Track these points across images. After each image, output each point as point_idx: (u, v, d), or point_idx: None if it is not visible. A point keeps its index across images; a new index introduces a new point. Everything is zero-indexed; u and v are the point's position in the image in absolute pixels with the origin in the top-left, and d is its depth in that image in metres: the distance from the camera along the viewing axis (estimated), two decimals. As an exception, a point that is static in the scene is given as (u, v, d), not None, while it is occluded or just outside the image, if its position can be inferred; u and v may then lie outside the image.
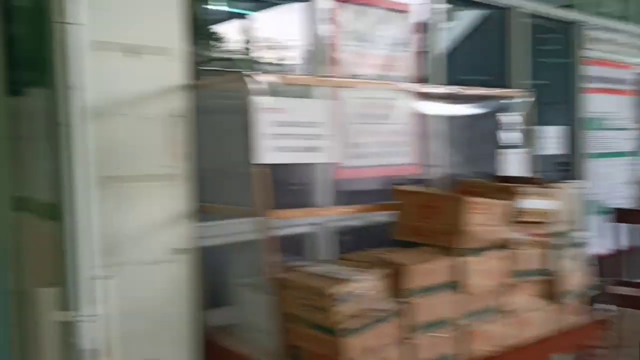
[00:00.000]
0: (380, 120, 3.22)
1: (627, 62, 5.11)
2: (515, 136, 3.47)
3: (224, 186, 2.67)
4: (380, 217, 2.95)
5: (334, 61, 3.17)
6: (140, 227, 2.37)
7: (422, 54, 3.59)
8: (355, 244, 2.95)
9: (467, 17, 4.26)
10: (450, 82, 3.53)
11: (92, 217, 1.90)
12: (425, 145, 3.45)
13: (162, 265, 2.42)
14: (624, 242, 4.37)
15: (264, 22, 3.26)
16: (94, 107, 2.12)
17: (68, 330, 1.87)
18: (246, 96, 2.30)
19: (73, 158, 1.84)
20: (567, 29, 4.71)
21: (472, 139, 3.57)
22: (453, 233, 2.47)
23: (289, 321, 2.31)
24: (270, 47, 3.26)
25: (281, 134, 2.42)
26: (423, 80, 3.53)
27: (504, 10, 4.22)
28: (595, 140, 4.83)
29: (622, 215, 4.34)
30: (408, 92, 3.24)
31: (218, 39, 3.18)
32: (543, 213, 2.75)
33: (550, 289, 2.82)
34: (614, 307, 3.20)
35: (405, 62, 3.48)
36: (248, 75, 2.31)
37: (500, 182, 3.01)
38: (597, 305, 3.04)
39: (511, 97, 3.43)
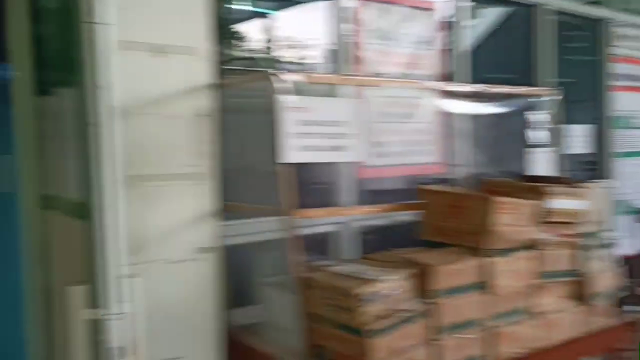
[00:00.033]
0: (404, 119, 3.19)
1: (655, 60, 5.00)
2: (542, 135, 3.42)
3: (249, 185, 2.67)
4: (404, 216, 2.93)
5: (357, 60, 3.15)
6: (166, 226, 2.38)
7: (447, 52, 3.55)
8: (378, 243, 2.93)
9: (492, 15, 4.21)
10: (475, 80, 3.49)
11: (121, 216, 1.91)
12: (450, 144, 3.41)
13: (187, 264, 2.42)
14: (653, 243, 4.29)
15: (287, 21, 3.26)
16: (120, 106, 2.13)
17: (97, 328, 1.88)
18: (272, 95, 2.29)
19: (102, 157, 1.85)
20: (594, 26, 4.63)
21: (497, 137, 3.53)
22: (480, 233, 2.44)
23: (314, 321, 2.30)
24: (291, 46, 3.25)
25: (306, 133, 2.41)
26: (447, 78, 3.49)
27: (529, 7, 4.16)
28: (622, 139, 4.74)
29: (650, 216, 4.26)
30: (433, 90, 3.21)
31: (240, 38, 3.19)
32: (572, 213, 2.71)
33: (578, 290, 2.78)
34: (643, 309, 3.14)
35: (430, 61, 3.45)
36: (274, 74, 2.30)
37: (528, 181, 2.96)
38: (626, 307, 2.98)
39: (538, 96, 3.37)
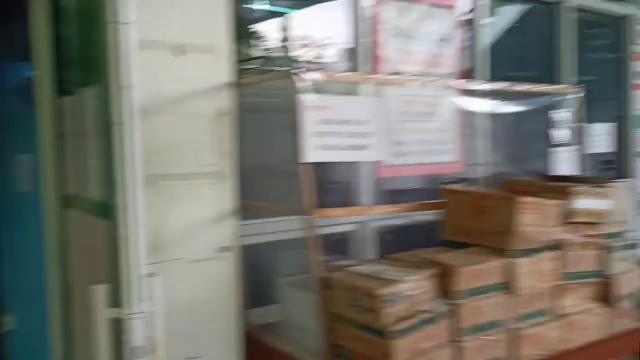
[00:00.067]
0: (424, 117, 3.16)
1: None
2: (564, 133, 3.37)
3: (268, 184, 2.66)
4: (424, 216, 2.90)
5: (377, 58, 3.13)
6: (186, 225, 2.38)
7: (466, 50, 3.52)
8: (397, 243, 2.91)
9: (511, 12, 4.16)
10: (495, 79, 3.45)
11: (142, 215, 1.91)
12: (470, 143, 3.37)
13: (207, 263, 2.42)
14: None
15: (305, 20, 3.25)
16: (142, 105, 2.13)
17: (120, 327, 1.88)
18: (293, 94, 2.28)
19: (125, 157, 1.85)
20: (616, 23, 4.56)
21: (518, 136, 3.48)
22: (504, 233, 2.40)
23: (334, 321, 2.28)
24: (308, 45, 3.24)
25: (326, 132, 2.40)
26: (467, 76, 3.46)
27: (549, 4, 4.11)
28: (643, 138, 4.67)
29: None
30: (453, 88, 3.18)
31: (257, 37, 3.18)
32: (596, 213, 2.66)
33: (603, 291, 2.73)
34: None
35: (450, 59, 3.41)
36: (295, 73, 2.29)
37: (551, 181, 2.92)
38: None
39: (560, 94, 3.33)
